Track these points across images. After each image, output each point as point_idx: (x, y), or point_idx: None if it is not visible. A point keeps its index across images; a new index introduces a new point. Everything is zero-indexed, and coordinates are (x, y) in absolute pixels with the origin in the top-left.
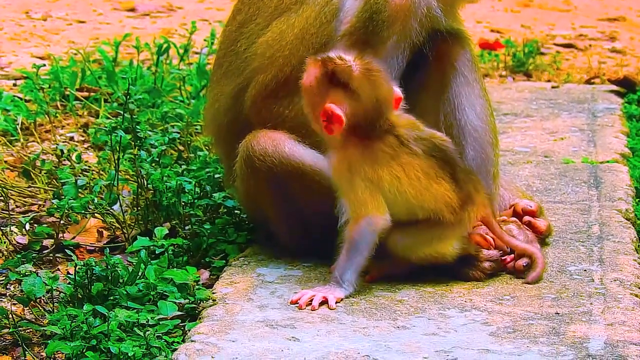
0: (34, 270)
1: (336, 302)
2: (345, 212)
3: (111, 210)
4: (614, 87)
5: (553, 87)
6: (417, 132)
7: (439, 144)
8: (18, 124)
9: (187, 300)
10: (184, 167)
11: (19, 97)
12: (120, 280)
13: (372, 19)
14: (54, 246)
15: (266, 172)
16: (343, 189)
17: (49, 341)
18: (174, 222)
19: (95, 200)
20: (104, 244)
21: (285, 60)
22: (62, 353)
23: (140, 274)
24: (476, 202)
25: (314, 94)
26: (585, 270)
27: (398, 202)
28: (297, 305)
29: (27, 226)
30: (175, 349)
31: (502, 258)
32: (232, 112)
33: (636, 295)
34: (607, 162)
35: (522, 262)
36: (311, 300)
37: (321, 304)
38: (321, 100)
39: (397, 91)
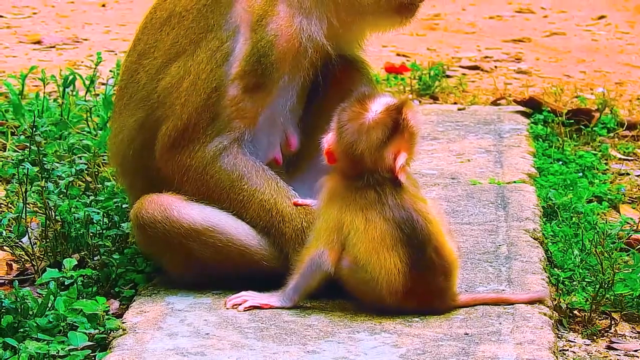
0: None
1: (267, 308)
2: (310, 236)
3: (20, 243)
4: (520, 108)
5: (459, 109)
6: (403, 199)
7: (414, 221)
8: None
9: (97, 331)
10: (92, 198)
11: None
12: (30, 312)
13: (261, 62)
14: None
15: (160, 238)
16: (317, 214)
17: None
18: (83, 253)
19: (4, 233)
20: (13, 277)
21: (182, 108)
22: None
23: (49, 305)
24: (429, 302)
25: (333, 119)
26: (494, 291)
27: (349, 250)
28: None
29: None
30: None
31: None
32: (136, 143)
33: (544, 314)
34: (514, 182)
35: None
36: (240, 304)
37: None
38: (329, 132)
39: (400, 159)
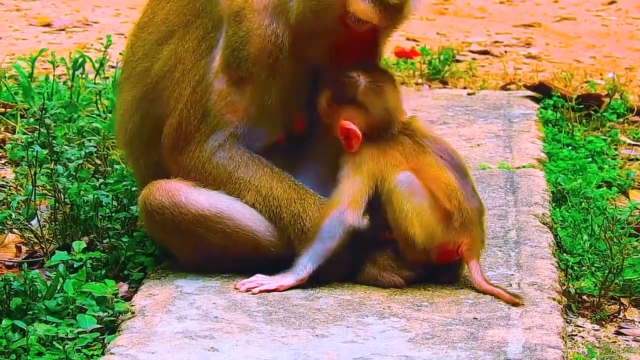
0: None
1: (282, 290)
2: (329, 200)
3: (29, 226)
4: (530, 93)
5: (469, 94)
6: (429, 135)
7: (451, 150)
8: None
9: (105, 313)
10: (101, 180)
11: None
12: (39, 295)
13: (235, 56)
14: None
15: (168, 224)
16: (341, 179)
17: None
18: (92, 235)
19: (13, 216)
20: (23, 259)
21: (175, 103)
22: None
23: (58, 288)
24: (469, 230)
25: (328, 115)
26: (503, 275)
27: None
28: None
29: None
30: None
31: None
32: (135, 119)
33: (553, 299)
34: (524, 167)
35: None
36: (253, 287)
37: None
38: (336, 120)
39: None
